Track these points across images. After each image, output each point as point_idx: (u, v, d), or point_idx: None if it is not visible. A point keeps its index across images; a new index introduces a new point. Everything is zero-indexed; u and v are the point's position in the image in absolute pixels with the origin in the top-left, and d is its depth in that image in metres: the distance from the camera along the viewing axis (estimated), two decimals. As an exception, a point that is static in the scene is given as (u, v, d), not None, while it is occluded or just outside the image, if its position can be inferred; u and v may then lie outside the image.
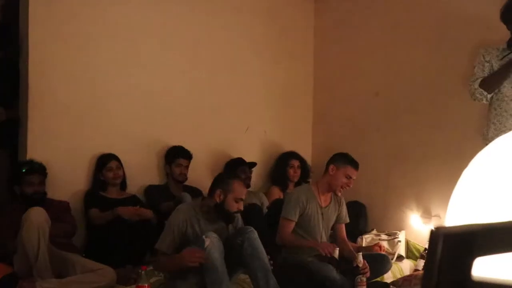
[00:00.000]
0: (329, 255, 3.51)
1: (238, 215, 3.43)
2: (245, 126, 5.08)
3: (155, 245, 3.23)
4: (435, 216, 4.52)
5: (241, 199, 3.30)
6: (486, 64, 3.66)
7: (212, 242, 3.01)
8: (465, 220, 0.85)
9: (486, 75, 3.64)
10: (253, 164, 4.77)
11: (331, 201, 3.90)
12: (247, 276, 3.38)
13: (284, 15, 5.40)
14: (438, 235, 0.68)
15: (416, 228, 4.66)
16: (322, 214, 3.82)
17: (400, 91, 4.89)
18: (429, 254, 0.69)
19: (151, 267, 3.35)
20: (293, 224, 3.75)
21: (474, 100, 3.73)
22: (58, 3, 4.07)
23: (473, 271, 0.70)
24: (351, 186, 3.81)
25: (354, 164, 3.81)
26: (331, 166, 3.82)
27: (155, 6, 4.52)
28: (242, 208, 3.32)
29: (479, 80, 3.64)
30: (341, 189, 3.80)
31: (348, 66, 5.31)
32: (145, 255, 3.81)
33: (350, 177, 3.78)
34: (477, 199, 0.87)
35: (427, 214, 4.61)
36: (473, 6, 4.38)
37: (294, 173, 4.97)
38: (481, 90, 3.63)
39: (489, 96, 3.65)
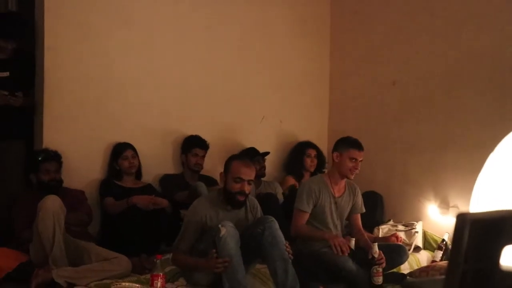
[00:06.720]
0: (340, 254, 3.44)
1: (257, 206, 3.37)
2: (260, 116, 5.05)
3: (174, 241, 3.20)
4: (453, 206, 4.46)
5: (241, 179, 3.14)
6: None
7: (227, 231, 2.99)
8: (491, 207, 0.81)
9: None
10: (266, 153, 4.74)
11: (345, 191, 3.85)
12: (263, 266, 3.36)
13: (300, 2, 5.34)
14: (465, 221, 0.64)
15: (434, 218, 4.60)
16: (335, 203, 3.78)
17: (417, 80, 4.82)
18: (455, 241, 0.65)
19: (166, 256, 3.34)
20: (307, 215, 3.70)
21: None
22: (73, -8, 4.07)
23: (501, 259, 0.66)
24: (358, 168, 3.72)
25: (356, 146, 3.73)
26: (335, 154, 3.78)
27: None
28: (246, 189, 3.17)
29: None
30: (351, 174, 3.73)
31: (365, 55, 5.24)
32: (160, 244, 3.81)
33: (356, 159, 3.70)
34: (504, 186, 0.84)
35: (444, 204, 4.54)
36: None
37: (311, 162, 4.92)
38: None
39: None
